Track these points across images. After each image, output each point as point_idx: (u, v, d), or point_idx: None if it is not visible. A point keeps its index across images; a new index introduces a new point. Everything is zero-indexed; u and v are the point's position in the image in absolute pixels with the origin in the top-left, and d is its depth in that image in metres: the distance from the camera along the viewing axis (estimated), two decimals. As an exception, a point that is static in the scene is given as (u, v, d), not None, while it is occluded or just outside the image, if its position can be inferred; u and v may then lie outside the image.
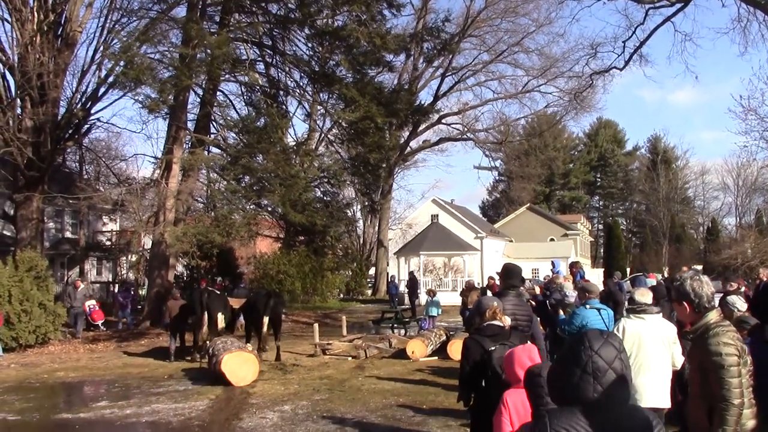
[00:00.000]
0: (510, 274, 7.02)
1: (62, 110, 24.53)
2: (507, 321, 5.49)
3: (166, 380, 14.08)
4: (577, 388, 2.38)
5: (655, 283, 15.02)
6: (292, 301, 32.59)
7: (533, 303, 10.14)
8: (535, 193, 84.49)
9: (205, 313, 16.29)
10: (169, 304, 18.09)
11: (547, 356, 7.42)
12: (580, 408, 2.38)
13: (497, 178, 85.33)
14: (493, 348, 4.97)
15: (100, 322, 24.44)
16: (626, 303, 7.58)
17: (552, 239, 67.56)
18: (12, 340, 18.40)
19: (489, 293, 13.86)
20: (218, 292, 17.48)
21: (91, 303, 24.83)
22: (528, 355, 4.39)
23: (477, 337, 5.31)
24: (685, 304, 4.17)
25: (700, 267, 38.15)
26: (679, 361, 6.10)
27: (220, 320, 16.48)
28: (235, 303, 18.07)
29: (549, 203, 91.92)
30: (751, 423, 4.04)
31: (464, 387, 5.37)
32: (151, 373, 15.03)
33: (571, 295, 10.08)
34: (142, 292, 28.74)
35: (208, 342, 15.83)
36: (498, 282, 9.93)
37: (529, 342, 5.47)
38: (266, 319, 16.45)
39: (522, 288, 8.02)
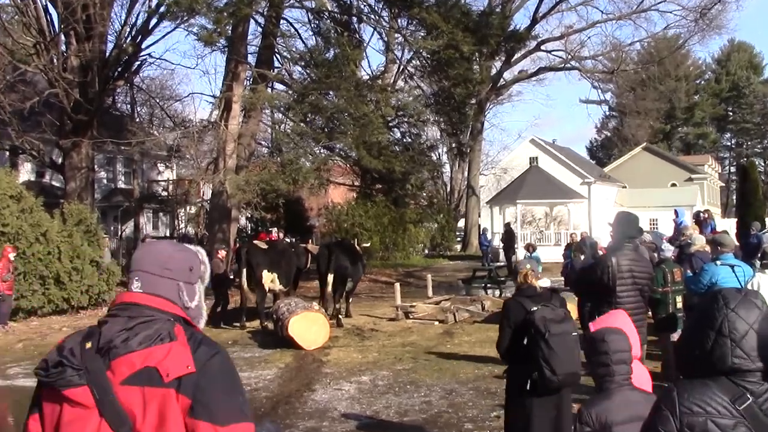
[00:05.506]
0: (625, 223, 6.83)
1: (110, 46, 25.08)
2: (538, 284, 6.05)
3: (231, 346, 14.36)
4: (711, 354, 2.27)
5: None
6: (370, 258, 32.89)
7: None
8: (653, 130, 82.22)
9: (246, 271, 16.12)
10: (213, 262, 18.35)
11: None
12: (717, 380, 2.27)
13: (607, 113, 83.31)
14: (535, 308, 5.52)
15: None
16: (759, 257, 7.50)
17: (674, 184, 65.70)
18: (63, 301, 18.63)
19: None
20: (264, 247, 16.98)
21: None
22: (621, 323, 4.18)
23: (518, 298, 5.95)
24: None
25: None
26: None
27: (267, 279, 16.22)
28: (314, 249, 18.12)
29: (670, 142, 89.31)
30: None
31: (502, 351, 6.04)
32: (214, 338, 15.24)
33: (668, 249, 9.83)
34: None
35: (251, 303, 16.10)
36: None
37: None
38: (330, 277, 16.46)
39: (638, 241, 7.81)
